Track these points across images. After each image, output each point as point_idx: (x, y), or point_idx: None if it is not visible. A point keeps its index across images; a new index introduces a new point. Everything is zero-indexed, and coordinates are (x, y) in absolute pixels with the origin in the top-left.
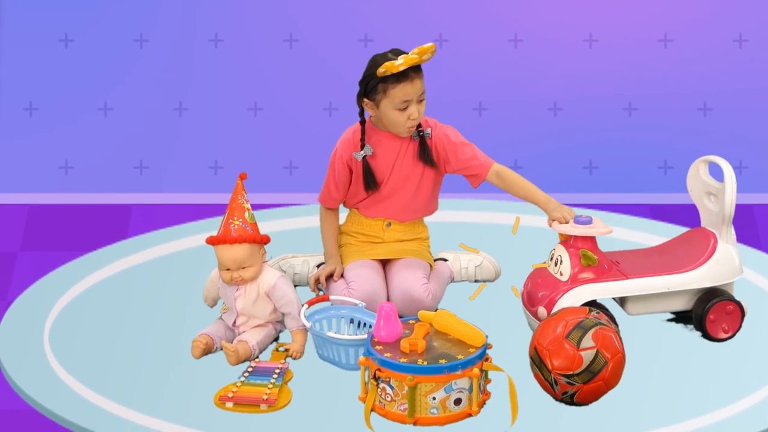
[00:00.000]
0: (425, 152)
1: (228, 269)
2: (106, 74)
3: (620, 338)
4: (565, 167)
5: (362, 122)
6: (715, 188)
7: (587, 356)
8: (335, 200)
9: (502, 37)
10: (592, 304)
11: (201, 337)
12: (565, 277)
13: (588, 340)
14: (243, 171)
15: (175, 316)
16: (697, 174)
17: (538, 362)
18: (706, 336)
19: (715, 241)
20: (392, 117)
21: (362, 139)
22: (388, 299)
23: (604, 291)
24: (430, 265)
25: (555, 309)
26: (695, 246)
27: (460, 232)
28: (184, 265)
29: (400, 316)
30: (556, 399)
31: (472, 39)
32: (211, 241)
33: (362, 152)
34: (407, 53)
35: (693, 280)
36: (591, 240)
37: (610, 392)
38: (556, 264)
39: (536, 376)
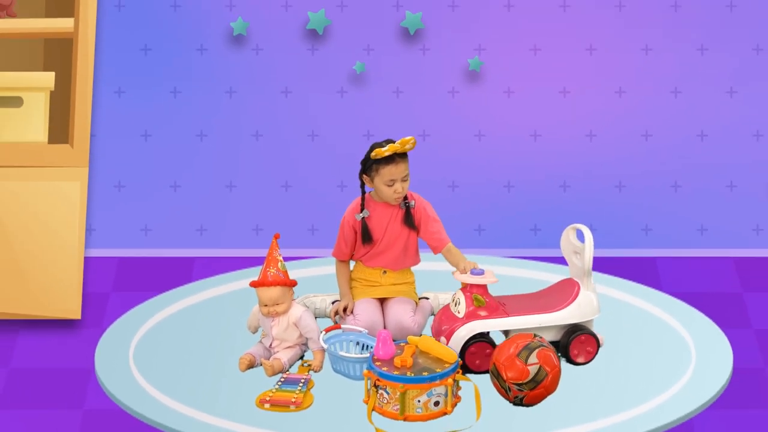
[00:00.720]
0: (409, 219)
1: (266, 305)
2: (176, 161)
3: (557, 356)
4: (516, 230)
5: (363, 193)
6: (579, 248)
7: (533, 370)
8: (345, 254)
9: (469, 133)
10: (481, 336)
11: (245, 355)
12: (461, 315)
13: (533, 358)
14: (277, 232)
15: (226, 339)
16: (567, 238)
17: (496, 374)
18: (569, 361)
19: (579, 289)
20: (383, 190)
21: (362, 206)
22: (385, 327)
23: (490, 326)
24: (416, 302)
25: (452, 339)
26: (564, 292)
27: (438, 278)
28: (233, 302)
29: (394, 340)
30: (510, 402)
31: (448, 134)
32: (253, 284)
33: (361, 214)
34: (394, 142)
35: (560, 318)
36: (483, 287)
37: (550, 396)
38: (456, 305)
39: (495, 385)
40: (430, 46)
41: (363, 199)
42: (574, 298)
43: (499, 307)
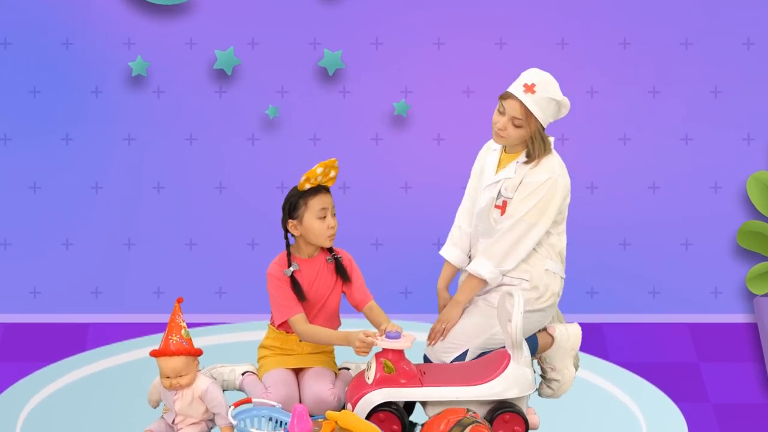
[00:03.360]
0: (341, 269)
1: (168, 377)
2: (68, 215)
3: None
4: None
5: (287, 246)
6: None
7: None
8: (300, 307)
9: (394, 184)
10: (386, 405)
11: None
12: (369, 381)
13: None
14: (180, 296)
15: (125, 415)
16: (503, 304)
17: None
18: None
19: (508, 361)
20: (315, 227)
21: (289, 260)
22: (301, 401)
23: (397, 395)
24: (335, 373)
25: (357, 407)
26: (493, 364)
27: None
28: (132, 373)
29: (311, 416)
30: None
31: (371, 186)
32: (154, 353)
33: (290, 269)
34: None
35: (482, 392)
36: (399, 352)
37: None
38: (368, 369)
39: None
40: (351, 88)
41: (289, 253)
42: (501, 372)
43: (416, 375)
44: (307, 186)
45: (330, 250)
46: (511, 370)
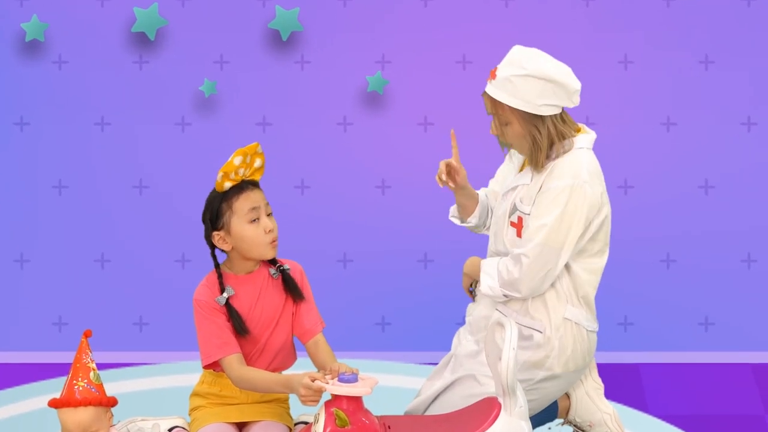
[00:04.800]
0: (290, 284)
1: None
2: None
3: None
4: (441, 321)
5: (216, 265)
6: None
7: None
8: (236, 345)
9: (369, 183)
10: None
11: None
12: None
13: None
14: (88, 328)
15: None
16: (493, 338)
17: None
18: None
19: (498, 412)
20: (249, 235)
21: (221, 283)
22: None
23: None
24: (290, 428)
25: None
26: (478, 415)
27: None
28: (25, 429)
29: None
30: None
31: (337, 184)
32: (54, 403)
33: (224, 296)
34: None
35: None
36: (355, 399)
37: None
38: (315, 422)
39: None
40: (312, 57)
41: (219, 273)
42: (488, 426)
43: (377, 430)
44: (228, 185)
45: (273, 261)
46: (501, 423)
